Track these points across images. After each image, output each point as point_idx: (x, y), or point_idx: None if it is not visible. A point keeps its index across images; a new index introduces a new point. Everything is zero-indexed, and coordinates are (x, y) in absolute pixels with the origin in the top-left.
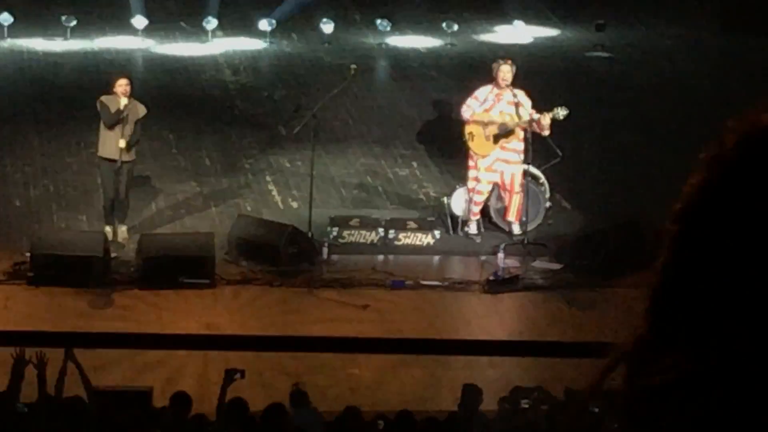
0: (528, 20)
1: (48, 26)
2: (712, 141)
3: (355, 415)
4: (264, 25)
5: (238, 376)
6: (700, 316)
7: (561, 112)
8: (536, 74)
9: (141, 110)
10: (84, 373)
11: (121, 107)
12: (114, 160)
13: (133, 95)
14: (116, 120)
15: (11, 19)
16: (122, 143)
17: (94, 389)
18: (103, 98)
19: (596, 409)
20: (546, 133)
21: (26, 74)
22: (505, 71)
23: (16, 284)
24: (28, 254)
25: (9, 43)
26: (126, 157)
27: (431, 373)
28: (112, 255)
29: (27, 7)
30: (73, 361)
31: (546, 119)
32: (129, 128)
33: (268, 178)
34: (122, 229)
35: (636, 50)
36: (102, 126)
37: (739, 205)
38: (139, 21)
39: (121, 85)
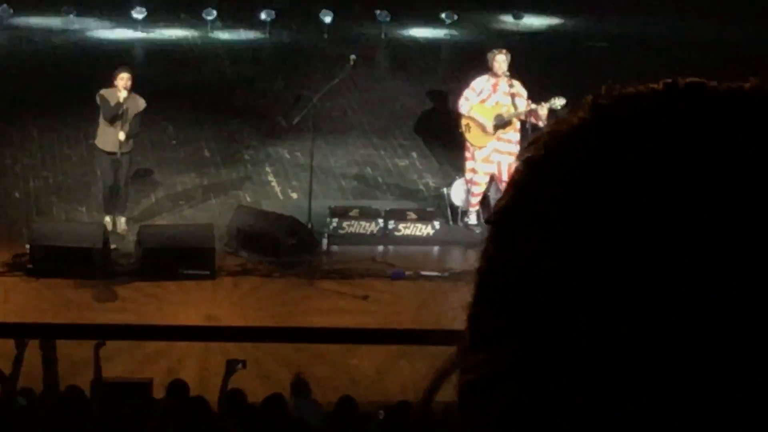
0: (526, 10)
1: (47, 18)
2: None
3: (353, 406)
4: (264, 15)
5: (239, 366)
6: (505, 313)
7: (558, 102)
8: (533, 64)
9: (141, 104)
10: (98, 365)
11: (121, 101)
12: (113, 153)
13: (133, 88)
14: (116, 113)
15: (10, 11)
16: (121, 136)
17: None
18: (103, 92)
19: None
20: (543, 123)
21: (25, 66)
22: (501, 61)
23: (15, 276)
24: (27, 246)
25: (8, 34)
26: (124, 149)
27: (432, 364)
28: (112, 246)
29: None
30: (95, 354)
31: (543, 110)
32: (128, 122)
33: (267, 169)
34: (122, 221)
35: (633, 40)
36: (101, 119)
37: (545, 199)
38: (139, 12)
39: (123, 78)
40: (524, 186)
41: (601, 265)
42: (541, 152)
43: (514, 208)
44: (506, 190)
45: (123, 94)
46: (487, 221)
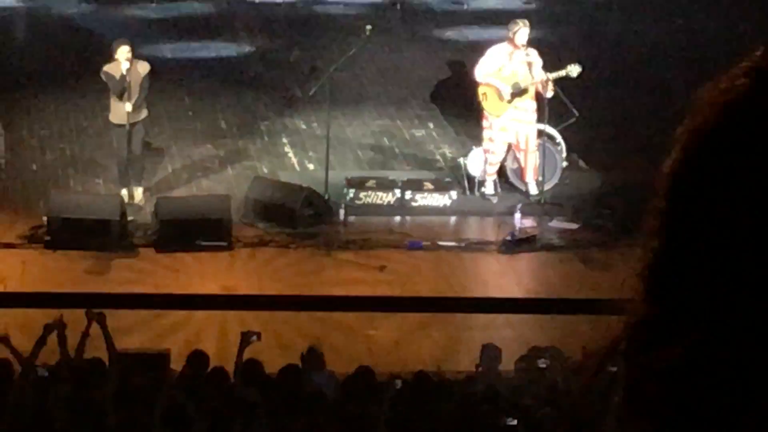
0: None
1: None
2: (698, 94)
3: (369, 375)
4: None
5: (254, 338)
6: (699, 291)
7: (574, 70)
8: (551, 33)
9: (143, 69)
10: (109, 336)
11: (124, 72)
12: (123, 125)
13: (134, 59)
14: (122, 87)
15: None
16: (128, 107)
17: (114, 352)
18: (106, 68)
19: (614, 369)
20: (549, 94)
21: (41, 38)
22: (523, 34)
23: (33, 248)
24: (45, 218)
25: (24, 6)
26: (133, 119)
27: (449, 334)
28: (129, 218)
29: None
30: (101, 324)
31: (552, 76)
32: (135, 91)
33: (284, 140)
34: (138, 192)
35: (651, 7)
36: (111, 94)
37: (726, 170)
38: None
39: (122, 51)
40: (702, 154)
41: None
42: (712, 121)
43: (693, 178)
44: (674, 163)
45: (125, 66)
46: (658, 196)
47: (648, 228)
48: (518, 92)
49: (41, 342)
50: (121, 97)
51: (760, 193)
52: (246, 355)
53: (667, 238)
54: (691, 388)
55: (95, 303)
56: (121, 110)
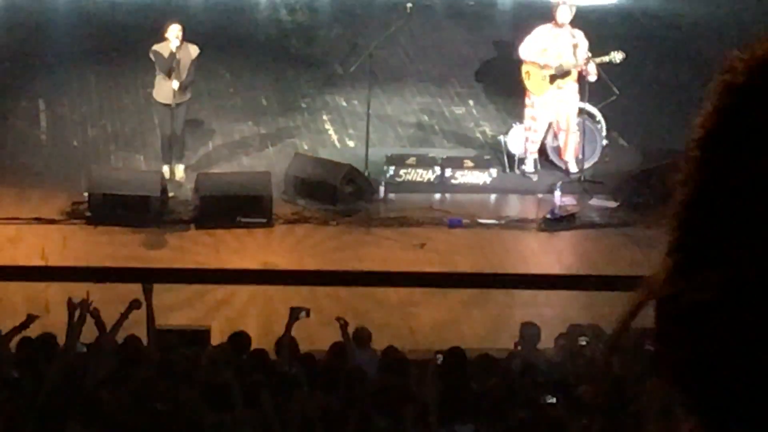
0: None
1: None
2: (722, 68)
3: (401, 357)
4: None
5: (303, 314)
6: (730, 236)
7: (617, 56)
8: (591, 12)
9: (193, 51)
10: (152, 311)
11: (174, 50)
12: (169, 104)
13: (190, 38)
14: (170, 66)
15: None
16: (175, 85)
17: (154, 328)
18: (155, 47)
19: (651, 348)
20: (592, 78)
21: (83, 14)
22: (564, 11)
23: (74, 224)
24: (85, 194)
25: None
26: (179, 99)
27: (489, 312)
28: (170, 194)
29: None
30: (147, 299)
31: (596, 62)
32: (183, 71)
33: (324, 117)
34: (179, 168)
35: None
36: (158, 72)
37: (758, 123)
38: None
39: (173, 30)
40: (732, 110)
41: None
42: (743, 78)
43: (726, 133)
44: (707, 117)
45: (175, 44)
46: (691, 149)
47: (681, 178)
48: (561, 74)
49: (81, 320)
50: (169, 76)
51: None
52: (293, 331)
53: (699, 187)
54: (721, 331)
55: (136, 277)
56: (166, 89)
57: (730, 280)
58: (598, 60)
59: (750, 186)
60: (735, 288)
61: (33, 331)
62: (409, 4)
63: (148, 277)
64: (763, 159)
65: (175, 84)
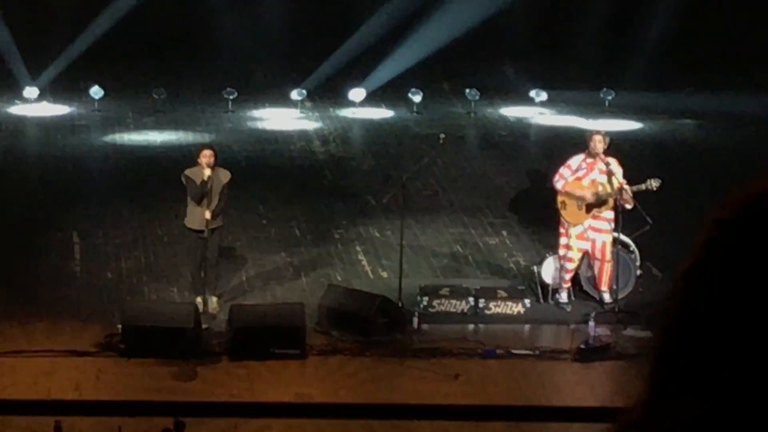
0: (615, 87)
1: (138, 99)
2: (717, 205)
3: None
4: (353, 95)
5: None
6: (705, 367)
7: (654, 183)
8: (625, 140)
9: (225, 176)
10: None
11: (205, 178)
12: (201, 231)
13: (216, 163)
14: (202, 192)
15: (101, 92)
16: (207, 215)
17: None
18: (188, 171)
19: None
20: (629, 206)
21: (117, 146)
22: (597, 141)
23: (108, 356)
24: (119, 326)
25: (99, 115)
26: (212, 225)
27: None
28: (203, 326)
29: (116, 79)
30: None
31: (631, 191)
32: (214, 198)
33: (357, 248)
34: (213, 300)
35: (724, 116)
36: (189, 198)
37: (741, 263)
38: (229, 93)
39: (205, 156)
40: (722, 244)
41: None
42: (736, 213)
43: (712, 265)
44: (696, 248)
45: (207, 172)
46: (676, 279)
47: (662, 309)
48: (598, 203)
49: None
50: (199, 203)
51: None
52: None
53: (679, 318)
54: None
55: (170, 411)
56: (197, 215)
57: (704, 410)
58: (634, 188)
59: (728, 319)
60: (708, 417)
61: None
62: (442, 135)
63: (181, 411)
64: (745, 293)
65: (207, 213)
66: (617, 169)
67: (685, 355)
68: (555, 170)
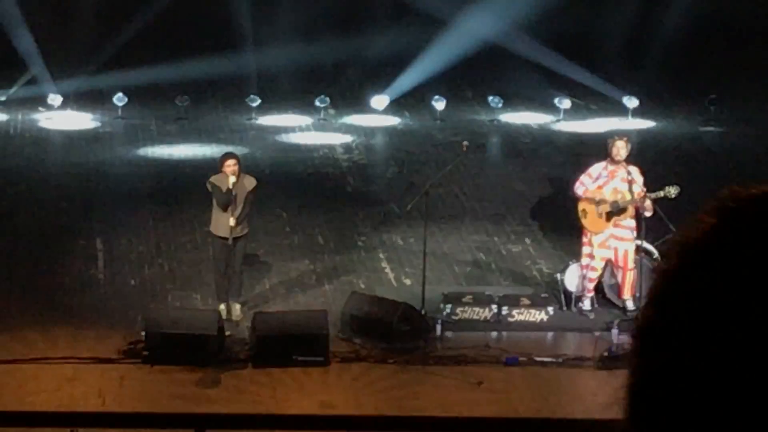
0: (639, 95)
1: (161, 106)
2: (687, 223)
3: None
4: (376, 102)
5: None
6: (683, 374)
7: (672, 191)
8: (648, 148)
9: (249, 183)
10: None
11: (231, 186)
12: (226, 238)
13: (241, 172)
14: (227, 200)
15: (125, 99)
16: (232, 222)
17: None
18: (213, 179)
19: None
20: (648, 214)
21: (140, 154)
22: (620, 147)
23: (131, 363)
24: (143, 333)
25: (123, 123)
26: (236, 233)
27: None
28: (227, 333)
29: (140, 87)
30: None
31: (651, 198)
32: (239, 206)
33: (381, 256)
34: (237, 307)
35: (747, 124)
36: (214, 205)
37: (686, 309)
38: (252, 100)
39: (229, 165)
40: (665, 298)
41: (754, 372)
42: (677, 264)
43: (658, 320)
44: (647, 303)
45: (232, 179)
46: (632, 336)
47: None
48: (618, 210)
49: None
50: (225, 210)
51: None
52: None
53: (637, 375)
54: None
55: (193, 423)
56: (223, 222)
57: (683, 423)
58: (653, 195)
59: (682, 377)
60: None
61: None
62: (465, 143)
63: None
64: (695, 348)
65: (232, 221)
66: (638, 177)
67: (661, 364)
68: (576, 177)
